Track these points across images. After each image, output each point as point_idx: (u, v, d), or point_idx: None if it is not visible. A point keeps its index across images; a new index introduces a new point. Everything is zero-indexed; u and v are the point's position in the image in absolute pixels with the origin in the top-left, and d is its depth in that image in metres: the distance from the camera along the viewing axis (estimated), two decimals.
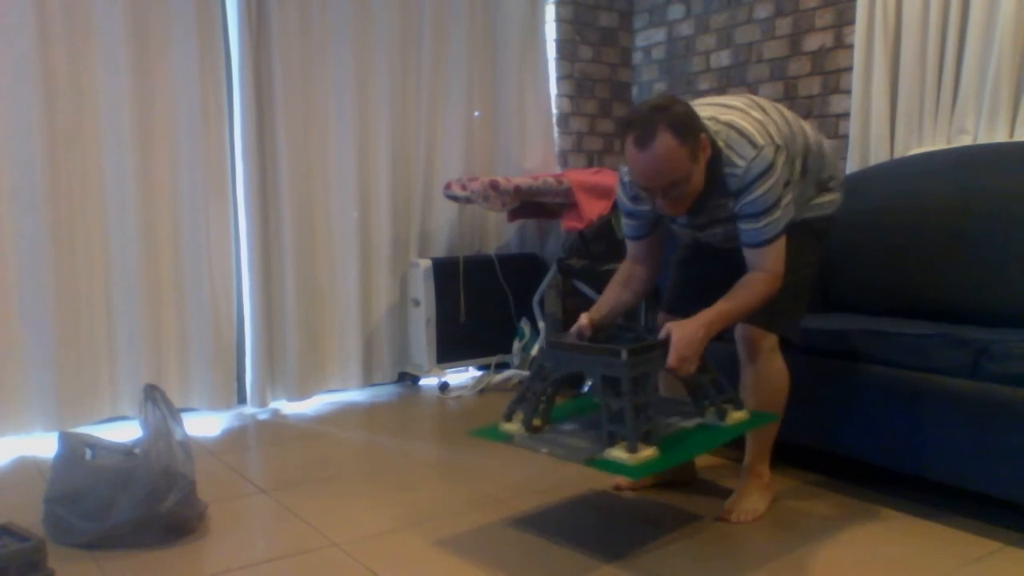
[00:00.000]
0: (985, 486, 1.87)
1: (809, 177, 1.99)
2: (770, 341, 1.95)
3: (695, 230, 2.01)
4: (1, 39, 2.62)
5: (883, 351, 2.08)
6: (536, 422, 1.83)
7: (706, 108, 1.88)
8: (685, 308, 2.08)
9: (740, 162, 1.79)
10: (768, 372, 1.96)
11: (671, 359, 1.73)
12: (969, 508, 2.00)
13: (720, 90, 3.68)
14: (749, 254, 1.86)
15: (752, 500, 1.99)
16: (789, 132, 1.92)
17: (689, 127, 1.73)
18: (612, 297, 2.03)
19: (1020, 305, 2.22)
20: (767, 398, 1.97)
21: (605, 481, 2.23)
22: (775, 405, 1.98)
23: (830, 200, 2.07)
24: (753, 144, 1.79)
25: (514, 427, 1.83)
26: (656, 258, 2.08)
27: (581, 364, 1.79)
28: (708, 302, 2.03)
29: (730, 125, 1.82)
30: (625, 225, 2.07)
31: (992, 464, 1.83)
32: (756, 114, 1.88)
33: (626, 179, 1.97)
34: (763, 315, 1.90)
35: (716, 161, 1.81)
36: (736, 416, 1.88)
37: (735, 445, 2.58)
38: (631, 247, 2.08)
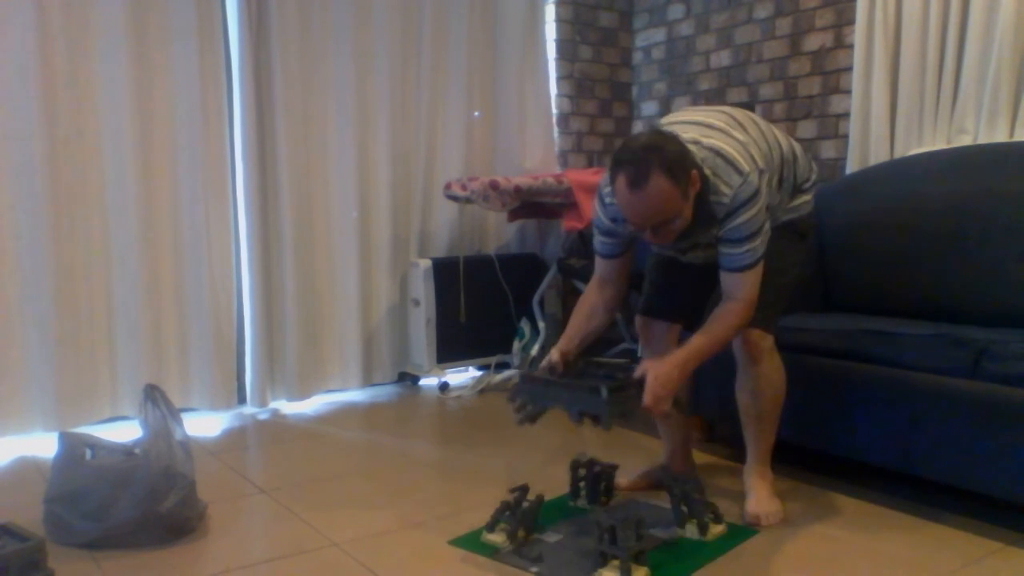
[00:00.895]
0: (985, 486, 1.87)
1: (784, 186, 1.99)
2: (769, 341, 1.96)
3: (678, 253, 2.02)
4: (1, 39, 2.62)
5: (883, 351, 2.08)
6: (521, 533, 1.83)
7: (688, 130, 1.84)
8: (662, 311, 2.14)
9: (727, 190, 1.78)
10: (771, 373, 1.96)
11: (646, 398, 1.75)
12: (969, 508, 2.01)
13: (720, 90, 3.68)
14: (726, 279, 1.86)
15: (773, 502, 1.99)
16: (767, 149, 1.91)
17: (682, 166, 1.72)
18: (580, 326, 2.02)
19: (1020, 305, 2.22)
20: (771, 399, 1.98)
21: None
22: (778, 405, 1.99)
23: (805, 201, 2.06)
24: (739, 171, 1.77)
25: (498, 539, 1.82)
26: (626, 277, 2.07)
27: (559, 400, 1.82)
28: (685, 305, 2.12)
29: (714, 151, 1.79)
30: (599, 243, 2.03)
31: (992, 464, 1.83)
32: (738, 134, 1.85)
33: (607, 200, 1.93)
34: (760, 317, 1.90)
35: (703, 191, 1.80)
36: (716, 531, 1.88)
37: (728, 444, 2.58)
38: (602, 266, 2.05)
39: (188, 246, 3.01)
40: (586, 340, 2.03)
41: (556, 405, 1.84)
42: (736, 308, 1.84)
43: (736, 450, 2.54)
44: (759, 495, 1.99)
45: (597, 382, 1.76)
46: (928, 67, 2.79)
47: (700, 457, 2.43)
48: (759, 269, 1.85)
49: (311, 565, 1.75)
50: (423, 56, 3.53)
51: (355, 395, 3.42)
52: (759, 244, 1.83)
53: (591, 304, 2.05)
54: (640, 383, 1.77)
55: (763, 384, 1.96)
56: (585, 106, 4.05)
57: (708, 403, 2.49)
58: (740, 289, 1.84)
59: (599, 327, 2.06)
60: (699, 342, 1.83)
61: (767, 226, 1.84)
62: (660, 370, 1.77)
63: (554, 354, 1.95)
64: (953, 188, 2.45)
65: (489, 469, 2.39)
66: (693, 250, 1.98)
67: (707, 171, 1.79)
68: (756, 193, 1.78)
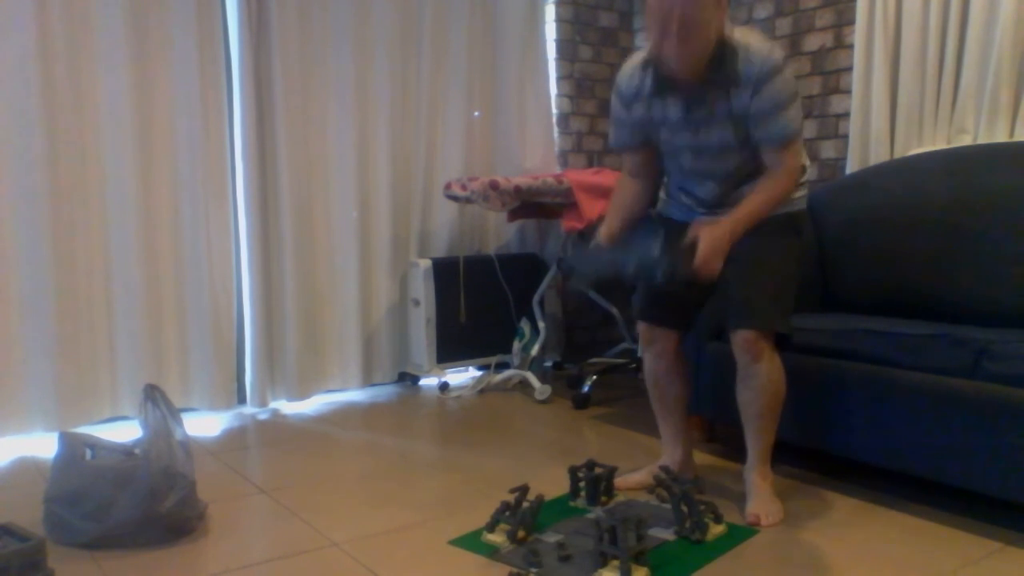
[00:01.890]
0: (985, 486, 1.87)
1: None
2: (770, 341, 1.95)
3: (691, 132, 1.95)
4: (1, 38, 2.62)
5: (883, 351, 2.08)
6: (521, 533, 1.83)
7: None
8: (663, 318, 2.14)
9: (757, 55, 1.81)
10: (771, 372, 1.95)
11: (697, 259, 1.79)
12: (969, 508, 2.01)
13: None
14: (768, 155, 1.88)
15: (774, 502, 1.99)
16: None
17: None
18: (624, 207, 2.08)
19: (1020, 305, 2.22)
20: (772, 398, 1.97)
21: None
22: (778, 405, 1.99)
23: (801, 196, 2.06)
24: (768, 47, 1.83)
25: (498, 539, 1.82)
26: (654, 170, 2.10)
27: (612, 262, 1.89)
28: (685, 309, 2.12)
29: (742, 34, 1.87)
30: (615, 134, 2.09)
31: (992, 464, 1.83)
32: None
33: (623, 84, 2.00)
34: (761, 316, 1.92)
35: (729, 53, 1.82)
36: (716, 531, 1.88)
37: (728, 444, 2.58)
38: (626, 160, 2.11)
39: (188, 246, 3.01)
40: (629, 221, 2.08)
41: (607, 268, 1.90)
42: (780, 176, 1.87)
43: (736, 450, 2.54)
44: (760, 495, 1.99)
45: (649, 242, 1.81)
46: (928, 67, 2.79)
47: (700, 457, 2.43)
48: (799, 143, 1.89)
49: (311, 565, 1.75)
50: (423, 56, 3.53)
51: (355, 395, 3.43)
52: (795, 114, 1.85)
53: (630, 190, 2.11)
54: (692, 246, 1.80)
55: (763, 383, 1.95)
56: (585, 106, 4.05)
57: (708, 403, 2.49)
58: (785, 158, 1.87)
59: (640, 210, 2.10)
60: (750, 206, 1.86)
61: (800, 103, 1.87)
62: (712, 234, 1.81)
63: (603, 231, 2.00)
64: (953, 188, 2.46)
65: (489, 469, 2.39)
66: (708, 126, 1.92)
67: (737, 35, 1.83)
68: (785, 66, 1.82)
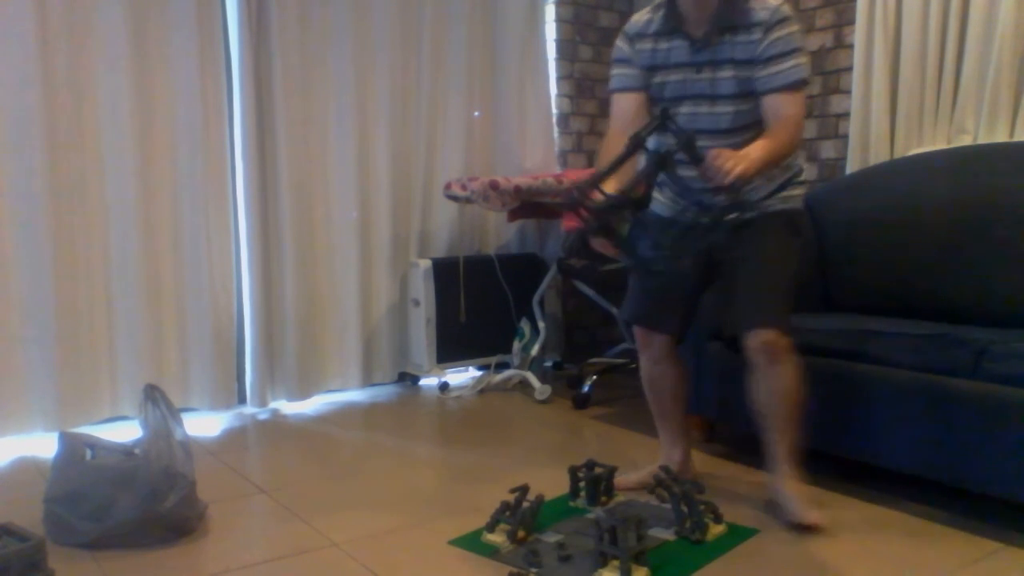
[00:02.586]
0: (985, 486, 1.87)
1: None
2: (787, 340, 1.88)
3: (694, 75, 1.93)
4: (1, 39, 2.62)
5: (883, 351, 2.08)
6: (521, 533, 1.83)
7: None
8: (661, 322, 2.10)
9: (769, 3, 1.83)
10: (791, 372, 1.89)
11: (709, 160, 1.71)
12: (969, 508, 2.00)
13: None
14: (773, 101, 1.84)
15: (810, 503, 1.92)
16: None
17: None
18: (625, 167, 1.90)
19: (1020, 305, 2.22)
20: (794, 399, 1.90)
21: None
22: (800, 405, 1.91)
23: (797, 195, 2.03)
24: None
25: (498, 539, 1.82)
26: (644, 121, 1.98)
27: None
28: (679, 314, 2.09)
29: None
30: (616, 77, 2.05)
31: (992, 464, 1.83)
32: None
33: (631, 23, 2.01)
34: (775, 316, 1.87)
35: None
36: (716, 531, 1.87)
37: (728, 444, 2.58)
38: (620, 103, 2.05)
39: (188, 246, 3.01)
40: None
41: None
42: (785, 125, 1.82)
43: (736, 449, 2.54)
44: (800, 499, 1.91)
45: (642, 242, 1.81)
46: (928, 67, 2.79)
47: (700, 457, 2.43)
48: (803, 94, 1.84)
49: (311, 565, 1.75)
50: (423, 56, 3.53)
51: (355, 395, 3.42)
52: (805, 63, 1.82)
53: (617, 145, 1.97)
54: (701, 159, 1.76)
55: (784, 384, 1.89)
56: (585, 106, 4.05)
57: (708, 403, 2.49)
58: (790, 107, 1.82)
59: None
60: (755, 148, 1.77)
61: (809, 60, 1.85)
62: (722, 150, 1.75)
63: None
64: (953, 188, 2.45)
65: (489, 469, 2.39)
66: (712, 70, 1.90)
67: None
68: (795, 20, 1.82)
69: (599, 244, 1.84)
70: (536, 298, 3.63)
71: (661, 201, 2.09)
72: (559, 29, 3.93)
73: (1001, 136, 2.61)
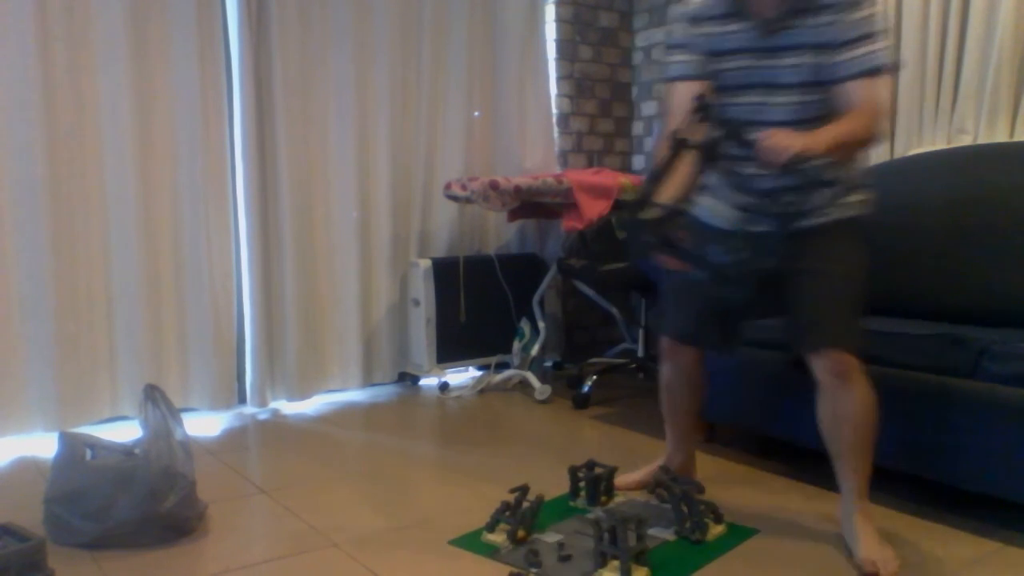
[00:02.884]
0: (985, 486, 1.87)
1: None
2: (857, 361, 1.73)
3: (761, 61, 1.76)
4: (1, 39, 2.62)
5: (883, 351, 2.08)
6: (521, 533, 1.83)
7: None
8: (694, 335, 1.96)
9: None
10: (864, 396, 1.73)
11: (764, 141, 1.56)
12: (969, 508, 2.00)
13: None
14: (849, 88, 1.66)
15: (885, 546, 1.73)
16: None
17: None
18: (682, 172, 1.68)
19: (1020, 305, 2.22)
20: (867, 426, 1.74)
21: None
22: (874, 431, 1.75)
23: (862, 200, 1.86)
24: None
25: (498, 539, 1.83)
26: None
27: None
28: (723, 323, 1.92)
29: None
30: (673, 65, 1.86)
31: (992, 464, 1.83)
32: None
33: (694, 5, 1.85)
34: (845, 334, 1.73)
35: None
36: (716, 531, 1.87)
37: (728, 444, 2.58)
38: (679, 93, 1.81)
39: (188, 246, 3.01)
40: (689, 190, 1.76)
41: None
42: (864, 111, 1.64)
43: (736, 449, 2.54)
44: (868, 538, 1.74)
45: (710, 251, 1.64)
46: (928, 67, 2.79)
47: (700, 457, 2.43)
48: (885, 81, 1.66)
49: (311, 565, 1.75)
50: (423, 56, 3.53)
51: (355, 395, 3.42)
52: (885, 48, 1.65)
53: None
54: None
55: (852, 409, 1.73)
56: (585, 106, 4.05)
57: (709, 404, 2.49)
58: (871, 94, 1.64)
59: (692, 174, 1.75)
60: (827, 131, 1.60)
61: (890, 45, 1.75)
62: (780, 130, 1.60)
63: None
64: (953, 188, 2.45)
65: (489, 469, 2.39)
66: (780, 56, 1.74)
67: None
68: (870, 2, 1.67)
69: (663, 260, 1.70)
70: (536, 298, 3.63)
71: (716, 211, 1.91)
72: (559, 29, 3.93)
73: (1001, 136, 2.61)
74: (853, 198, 1.83)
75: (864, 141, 1.67)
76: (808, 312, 1.76)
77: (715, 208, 1.91)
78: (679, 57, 1.86)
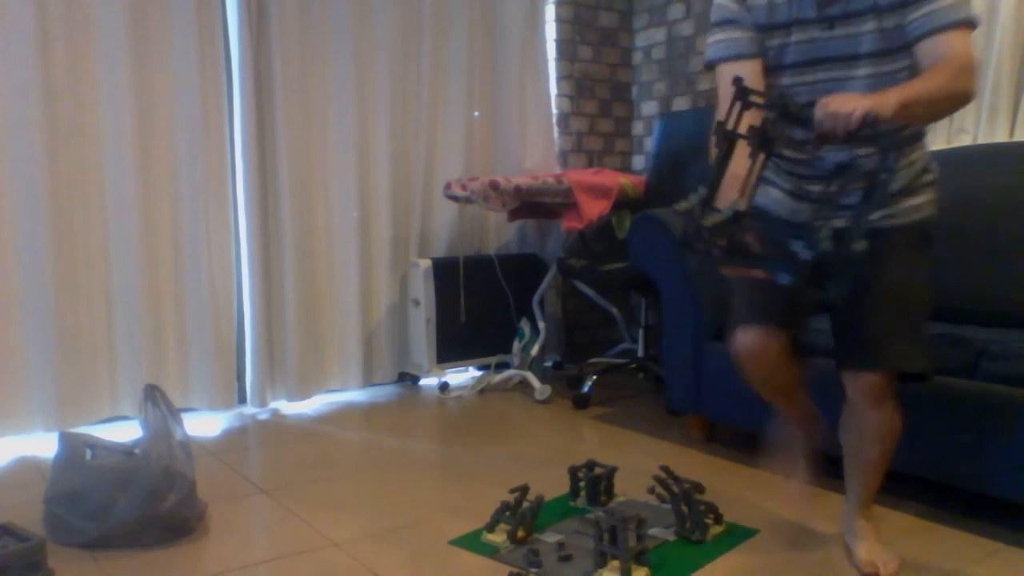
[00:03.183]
0: (985, 486, 1.87)
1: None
2: (894, 385, 1.62)
3: (826, 32, 1.58)
4: (1, 39, 2.62)
5: None
6: (521, 533, 1.83)
7: None
8: (782, 314, 1.67)
9: None
10: (891, 420, 1.65)
11: (823, 105, 1.38)
12: (969, 508, 2.00)
13: None
14: (929, 45, 1.47)
15: (885, 548, 1.74)
16: None
17: None
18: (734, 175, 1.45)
19: (1020, 305, 2.22)
20: (887, 447, 1.69)
21: None
22: (892, 451, 1.71)
23: (929, 200, 1.70)
24: None
25: (498, 539, 1.83)
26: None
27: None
28: (792, 304, 1.66)
29: None
30: (719, 44, 1.65)
31: (992, 464, 1.83)
32: None
33: None
34: (893, 356, 1.59)
35: None
36: (716, 531, 1.87)
37: (728, 445, 2.58)
38: (731, 75, 1.49)
39: (188, 246, 3.01)
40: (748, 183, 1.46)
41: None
42: (946, 63, 1.43)
43: (736, 449, 2.54)
44: (869, 540, 1.74)
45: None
46: None
47: (700, 457, 2.43)
48: (968, 36, 1.46)
49: (311, 565, 1.75)
50: (423, 56, 3.53)
51: (355, 395, 3.42)
52: (958, 2, 1.46)
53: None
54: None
55: (879, 433, 1.66)
56: (585, 106, 4.05)
57: (708, 403, 2.49)
58: (954, 48, 1.45)
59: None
60: (904, 88, 1.41)
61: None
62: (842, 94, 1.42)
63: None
64: (953, 188, 2.45)
65: (489, 469, 2.39)
66: (848, 24, 1.56)
67: None
68: None
69: (737, 271, 1.50)
70: (536, 298, 3.63)
71: (784, 204, 1.74)
72: (559, 29, 3.93)
73: (1001, 136, 2.61)
74: (922, 198, 1.68)
75: (949, 98, 1.44)
76: (860, 331, 1.61)
77: (782, 202, 1.74)
78: (726, 35, 1.65)
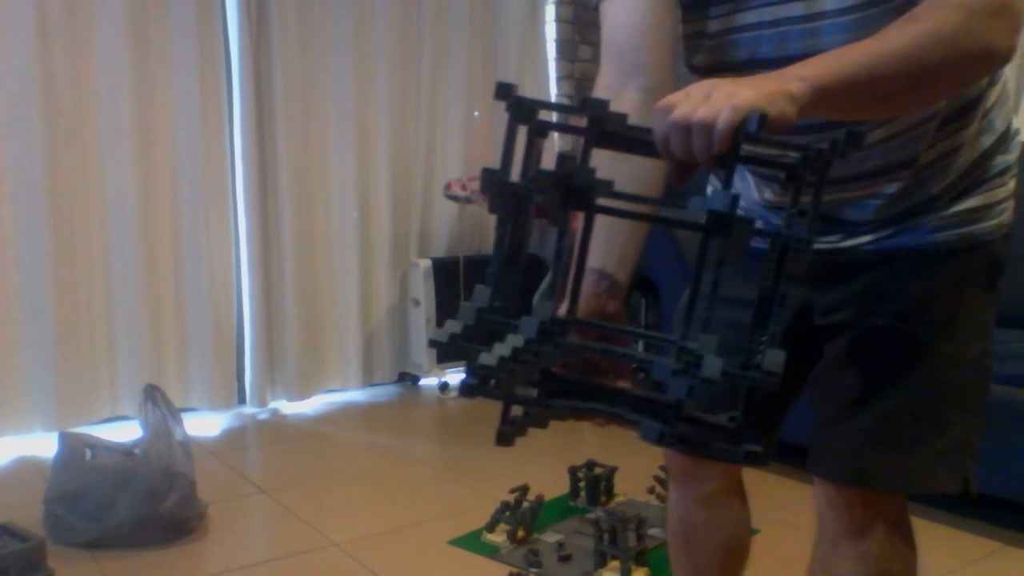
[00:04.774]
0: (985, 486, 1.86)
1: (986, 124, 0.96)
2: (896, 505, 1.03)
3: None
4: (1, 39, 2.62)
5: None
6: (521, 533, 1.83)
7: None
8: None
9: None
10: (888, 556, 1.03)
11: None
12: (969, 508, 2.00)
13: None
14: None
15: None
16: None
17: None
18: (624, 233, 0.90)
19: (1020, 305, 2.22)
20: None
21: None
22: None
23: (1001, 201, 1.01)
24: None
25: (498, 539, 1.83)
26: (670, 70, 0.99)
27: None
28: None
29: None
30: None
31: (992, 464, 1.83)
32: None
33: None
34: (900, 465, 0.99)
35: None
36: None
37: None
38: (616, 14, 0.95)
39: (188, 246, 3.01)
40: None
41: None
42: (940, 3, 0.76)
43: None
44: None
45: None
46: None
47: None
48: None
49: (311, 565, 1.75)
50: (423, 56, 3.53)
51: (355, 395, 3.42)
52: None
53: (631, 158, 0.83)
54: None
55: (868, 571, 1.04)
56: None
57: None
58: None
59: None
60: (858, 46, 0.76)
61: None
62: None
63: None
64: None
65: (489, 469, 2.39)
66: None
67: None
68: None
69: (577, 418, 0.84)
70: (536, 298, 3.62)
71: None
72: (559, 29, 3.93)
73: None
74: (978, 198, 0.99)
75: (951, 58, 0.75)
76: (856, 413, 1.04)
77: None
78: None
